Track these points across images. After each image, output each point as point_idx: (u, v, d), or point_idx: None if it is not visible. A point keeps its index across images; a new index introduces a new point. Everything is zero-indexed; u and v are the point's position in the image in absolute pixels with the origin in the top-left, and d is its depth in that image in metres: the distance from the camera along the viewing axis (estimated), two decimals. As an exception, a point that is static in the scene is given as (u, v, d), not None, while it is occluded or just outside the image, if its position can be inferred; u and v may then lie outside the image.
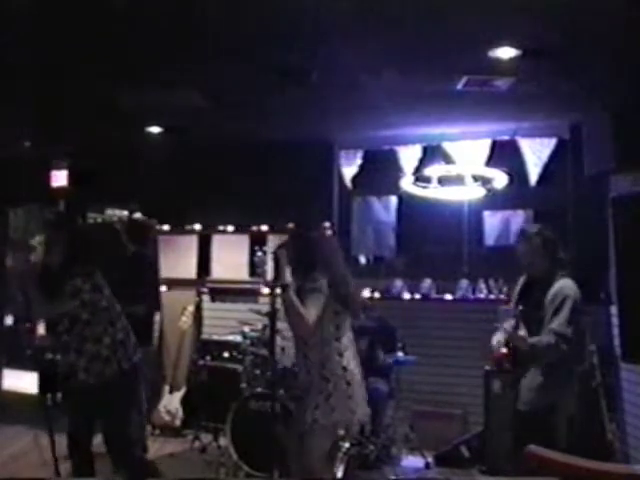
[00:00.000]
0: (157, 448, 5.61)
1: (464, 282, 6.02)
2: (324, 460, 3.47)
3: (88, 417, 3.89)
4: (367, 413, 3.55)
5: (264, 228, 6.60)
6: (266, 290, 5.96)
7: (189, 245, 7.04)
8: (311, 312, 3.38)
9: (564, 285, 3.77)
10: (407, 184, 6.23)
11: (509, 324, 3.74)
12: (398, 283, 6.28)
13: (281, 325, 3.57)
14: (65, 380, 3.87)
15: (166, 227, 6.97)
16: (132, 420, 3.86)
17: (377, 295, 6.23)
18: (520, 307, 3.75)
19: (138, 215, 6.40)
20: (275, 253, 3.42)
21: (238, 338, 5.91)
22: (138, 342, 4.05)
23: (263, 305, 6.02)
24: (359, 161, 6.51)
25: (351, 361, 3.50)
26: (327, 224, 6.08)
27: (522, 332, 3.69)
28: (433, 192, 6.04)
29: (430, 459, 5.39)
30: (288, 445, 3.53)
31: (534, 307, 3.76)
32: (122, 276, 4.68)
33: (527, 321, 3.73)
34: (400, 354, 5.39)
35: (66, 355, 3.84)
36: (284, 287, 3.36)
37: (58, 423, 4.04)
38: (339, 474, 4.72)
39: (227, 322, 6.44)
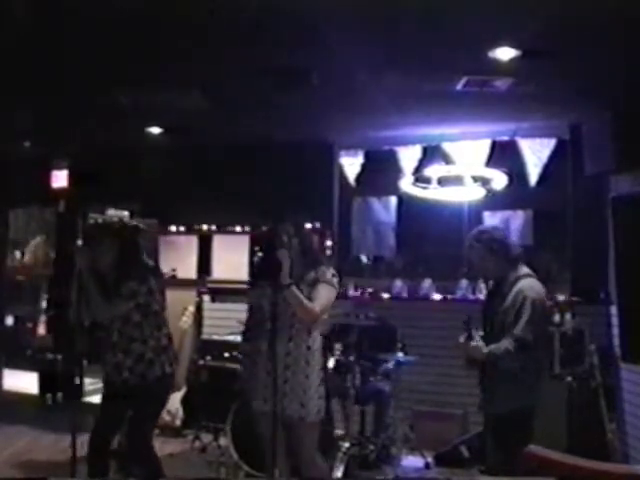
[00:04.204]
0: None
1: (464, 282, 6.01)
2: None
3: (121, 416, 3.96)
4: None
5: (264, 228, 6.59)
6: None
7: (189, 245, 7.04)
8: (316, 303, 3.46)
9: (524, 286, 3.56)
10: (407, 185, 6.23)
11: (463, 336, 3.58)
12: (398, 283, 6.28)
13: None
14: (107, 378, 3.93)
15: (166, 227, 6.96)
16: (156, 422, 3.95)
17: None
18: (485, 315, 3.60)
19: (138, 219, 6.39)
20: (276, 254, 3.42)
21: (238, 338, 5.90)
22: None
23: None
24: (360, 161, 6.52)
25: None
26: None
27: (474, 342, 3.53)
28: (433, 193, 6.04)
29: (430, 459, 5.38)
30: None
31: (496, 312, 3.61)
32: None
33: (493, 328, 3.59)
34: (400, 354, 5.38)
35: (113, 354, 3.89)
36: (287, 287, 3.38)
37: (59, 423, 4.04)
38: (339, 474, 4.74)
39: (227, 322, 6.43)
